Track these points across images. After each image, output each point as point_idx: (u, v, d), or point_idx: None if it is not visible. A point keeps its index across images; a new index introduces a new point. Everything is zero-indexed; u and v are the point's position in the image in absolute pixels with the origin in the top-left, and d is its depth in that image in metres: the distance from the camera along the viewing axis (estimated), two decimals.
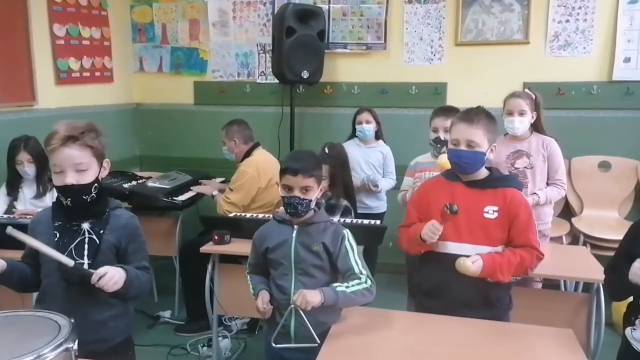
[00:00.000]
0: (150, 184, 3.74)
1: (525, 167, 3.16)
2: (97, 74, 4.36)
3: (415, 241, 2.18)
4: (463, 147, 2.12)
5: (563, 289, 3.04)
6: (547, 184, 3.18)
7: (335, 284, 1.98)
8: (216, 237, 2.81)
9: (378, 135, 4.05)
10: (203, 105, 4.83)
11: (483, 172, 2.19)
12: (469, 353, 1.85)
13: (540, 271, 2.38)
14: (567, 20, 4.12)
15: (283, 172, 2.07)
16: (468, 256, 2.06)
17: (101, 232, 1.91)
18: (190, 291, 3.48)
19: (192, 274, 3.40)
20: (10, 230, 1.76)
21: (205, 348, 3.29)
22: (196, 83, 4.82)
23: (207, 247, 2.83)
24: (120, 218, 1.96)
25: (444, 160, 2.84)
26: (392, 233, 3.80)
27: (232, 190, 3.52)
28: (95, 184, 1.90)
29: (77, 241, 1.89)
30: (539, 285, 3.10)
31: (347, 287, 1.97)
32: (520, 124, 3.11)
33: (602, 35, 4.09)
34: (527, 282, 2.91)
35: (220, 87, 4.76)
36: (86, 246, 1.89)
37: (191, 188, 3.80)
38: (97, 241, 1.90)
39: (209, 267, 2.85)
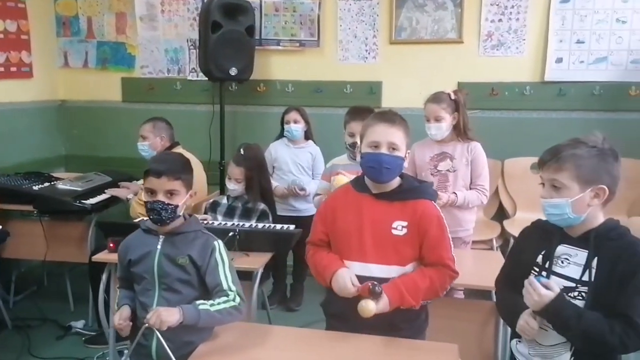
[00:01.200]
0: (60, 186, 3.51)
1: (448, 170, 3.04)
2: (13, 69, 4.08)
3: (322, 279, 1.99)
4: (384, 150, 1.90)
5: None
6: (470, 188, 3.06)
7: (198, 302, 1.81)
8: (111, 245, 2.60)
9: (308, 136, 3.90)
10: (131, 103, 4.59)
11: (395, 181, 1.98)
12: None
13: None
14: (500, 20, 4.03)
15: (146, 174, 1.89)
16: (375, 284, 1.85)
17: None
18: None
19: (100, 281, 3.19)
20: None
21: None
22: (124, 79, 4.58)
23: (101, 256, 2.62)
24: None
25: (340, 179, 2.71)
26: None
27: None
28: None
29: None
30: (461, 295, 2.99)
31: (211, 305, 1.81)
32: (437, 130, 2.97)
33: (535, 35, 4.02)
34: (449, 292, 2.79)
35: (149, 84, 4.54)
36: None
37: (105, 191, 3.58)
38: None
39: (104, 277, 2.65)
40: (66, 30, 4.57)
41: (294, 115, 3.81)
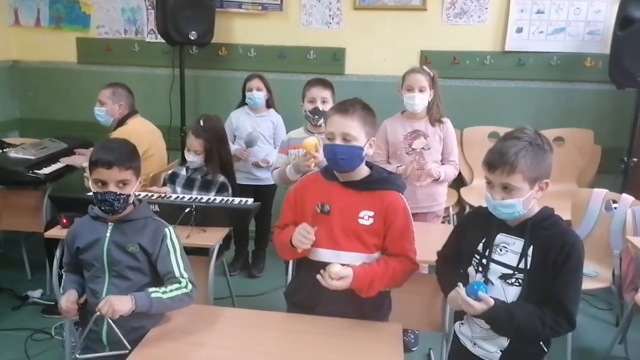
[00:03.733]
0: (13, 154, 3.29)
1: (423, 148, 2.98)
2: None
3: (287, 247, 1.94)
4: (338, 142, 1.86)
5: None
6: (442, 164, 3.02)
7: (150, 289, 1.76)
8: (64, 220, 2.47)
9: (269, 104, 3.78)
10: (88, 65, 4.32)
11: (363, 171, 1.95)
12: (288, 350, 1.72)
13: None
14: None
15: (94, 164, 1.77)
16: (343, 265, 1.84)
17: None
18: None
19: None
20: None
21: None
22: (79, 39, 4.29)
23: (54, 232, 2.48)
24: None
25: (309, 140, 2.62)
26: None
27: None
28: None
29: None
30: (425, 270, 2.98)
31: (163, 292, 1.76)
32: (421, 100, 2.90)
33: (497, 5, 3.91)
34: None
35: (107, 45, 4.27)
36: None
37: (60, 160, 3.40)
38: None
39: (57, 252, 2.53)
40: None
41: (256, 82, 3.66)
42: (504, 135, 1.76)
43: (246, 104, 3.72)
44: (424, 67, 3.01)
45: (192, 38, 3.77)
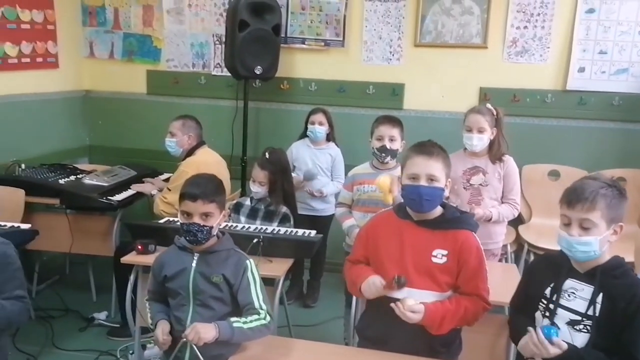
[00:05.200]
0: (87, 180, 3.41)
1: (481, 184, 2.93)
2: (39, 59, 3.94)
3: (355, 287, 1.97)
4: (423, 183, 1.88)
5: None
6: (501, 202, 2.97)
7: (232, 319, 1.80)
8: (139, 247, 2.54)
9: (329, 137, 3.82)
10: (156, 95, 4.46)
11: (436, 210, 1.96)
12: None
13: None
14: (526, 27, 3.89)
15: (182, 197, 1.84)
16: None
17: None
18: (124, 295, 3.22)
19: (125, 277, 3.12)
20: None
21: (134, 355, 3.06)
22: (149, 72, 4.45)
23: (129, 258, 2.55)
24: None
25: (384, 180, 2.63)
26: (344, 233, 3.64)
27: (169, 190, 3.24)
28: None
29: None
30: None
31: (244, 322, 1.80)
32: (479, 141, 2.87)
33: (559, 44, 3.87)
34: None
35: (174, 77, 4.41)
36: None
37: (130, 187, 3.49)
38: None
39: (132, 277, 2.61)
40: (92, 20, 4.42)
41: (319, 117, 3.71)
42: (582, 177, 1.77)
43: (307, 136, 3.78)
44: (488, 105, 2.97)
45: (258, 72, 3.86)
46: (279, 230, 2.84)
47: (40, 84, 4.03)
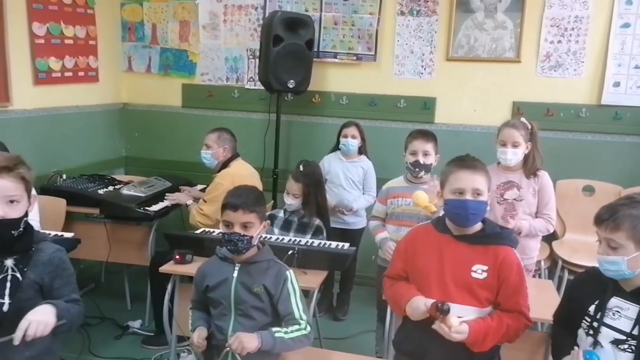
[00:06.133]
0: (125, 191, 3.50)
1: (515, 199, 2.91)
2: (81, 73, 4.07)
3: (398, 307, 1.97)
4: (469, 197, 1.87)
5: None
6: (536, 217, 2.94)
7: (274, 329, 1.83)
8: (177, 257, 2.59)
9: (361, 150, 3.84)
10: (191, 108, 4.55)
11: (476, 226, 1.95)
12: None
13: None
14: (560, 41, 3.87)
15: (223, 207, 1.88)
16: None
17: (24, 269, 1.70)
18: (158, 304, 3.26)
19: (161, 286, 3.17)
20: None
21: None
22: (184, 85, 4.54)
23: (167, 267, 2.60)
24: (43, 253, 1.74)
25: (419, 196, 2.63)
26: (375, 246, 3.58)
27: (205, 201, 3.30)
28: (25, 218, 1.70)
29: None
30: None
31: (285, 332, 1.83)
32: (513, 155, 2.85)
33: (594, 58, 3.83)
34: None
35: (209, 91, 4.50)
36: (8, 284, 1.68)
37: (166, 197, 3.56)
38: (20, 278, 1.68)
39: (169, 286, 2.66)
40: (131, 36, 4.57)
41: (352, 130, 3.73)
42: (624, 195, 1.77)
43: (339, 149, 3.80)
44: (522, 119, 2.95)
45: (291, 86, 3.91)
46: (313, 242, 2.87)
47: (81, 97, 4.16)
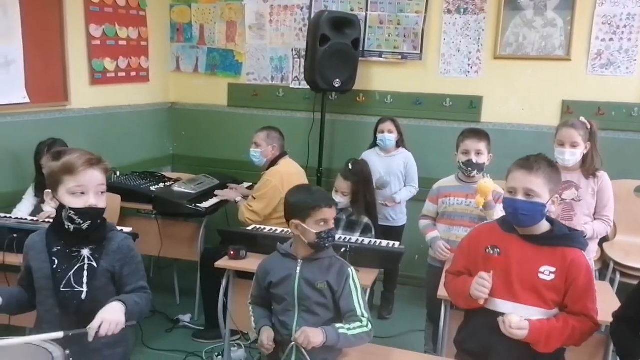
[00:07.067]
0: (176, 188, 3.58)
1: (573, 200, 2.86)
2: (133, 74, 4.19)
3: (464, 297, 1.96)
4: (520, 197, 1.86)
5: None
6: (594, 218, 2.89)
7: (338, 325, 1.85)
8: (232, 252, 2.65)
9: (398, 144, 3.83)
10: (236, 108, 4.63)
11: (543, 226, 1.92)
12: None
13: None
14: (611, 39, 3.79)
15: (316, 207, 1.90)
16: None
17: (99, 258, 1.78)
18: (209, 298, 3.32)
19: (211, 282, 3.23)
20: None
21: (220, 357, 3.13)
22: (230, 85, 4.63)
23: (222, 262, 2.66)
24: (113, 242, 1.82)
25: (484, 182, 2.61)
26: (417, 246, 3.65)
27: (255, 198, 3.35)
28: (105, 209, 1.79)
29: (75, 267, 1.77)
30: None
31: (348, 329, 1.85)
32: (572, 156, 2.79)
33: None
34: None
35: (254, 90, 4.57)
36: (85, 273, 1.76)
37: (215, 193, 3.63)
38: (96, 267, 1.77)
39: (224, 281, 2.71)
40: (179, 36, 4.67)
41: (388, 125, 3.75)
42: None
43: (377, 145, 3.81)
44: (582, 118, 2.90)
45: (336, 85, 3.94)
46: (363, 240, 2.88)
47: (133, 96, 4.28)
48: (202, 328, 3.48)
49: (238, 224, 3.43)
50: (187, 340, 3.41)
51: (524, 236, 1.92)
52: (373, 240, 2.90)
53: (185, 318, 3.61)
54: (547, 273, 1.86)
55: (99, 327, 1.60)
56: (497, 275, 1.89)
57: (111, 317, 1.63)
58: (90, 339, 1.60)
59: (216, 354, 3.20)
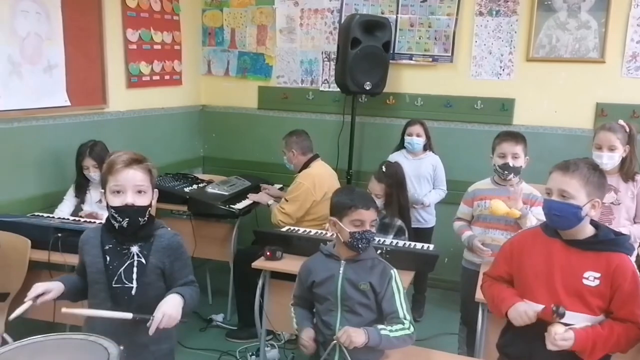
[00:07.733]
0: (209, 189, 3.65)
1: (612, 203, 2.82)
2: (167, 77, 4.28)
3: (497, 310, 1.95)
4: (555, 198, 1.85)
5: None
6: (634, 222, 2.84)
7: (380, 326, 1.88)
8: (268, 253, 2.69)
9: (426, 147, 3.83)
10: (266, 110, 4.69)
11: (587, 230, 1.88)
12: None
13: None
14: None
15: (353, 208, 1.93)
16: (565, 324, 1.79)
17: (148, 254, 1.85)
18: (243, 298, 3.39)
19: (244, 282, 3.30)
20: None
21: (254, 357, 3.19)
22: (260, 88, 4.69)
23: (259, 263, 2.71)
24: (163, 238, 1.89)
25: (496, 205, 2.63)
26: (447, 248, 3.67)
27: (287, 201, 3.40)
28: (149, 209, 1.85)
29: (126, 264, 1.84)
30: None
31: (390, 331, 1.88)
32: (610, 159, 2.75)
33: None
34: None
35: (284, 93, 4.63)
36: (135, 269, 1.83)
37: (248, 196, 3.69)
38: (145, 263, 1.84)
39: (260, 282, 2.76)
40: (211, 40, 4.75)
41: (417, 128, 3.75)
42: None
43: (405, 147, 3.83)
44: (620, 121, 2.86)
45: (367, 88, 3.97)
46: (397, 242, 2.90)
47: (166, 99, 4.37)
48: (235, 328, 3.53)
49: (268, 225, 3.49)
50: (220, 339, 3.48)
51: (567, 241, 1.89)
52: (407, 243, 2.91)
53: (218, 318, 3.68)
54: (591, 279, 1.83)
55: (160, 320, 1.67)
56: (540, 282, 1.88)
57: (171, 311, 1.70)
58: (152, 331, 1.67)
59: (250, 353, 3.25)
